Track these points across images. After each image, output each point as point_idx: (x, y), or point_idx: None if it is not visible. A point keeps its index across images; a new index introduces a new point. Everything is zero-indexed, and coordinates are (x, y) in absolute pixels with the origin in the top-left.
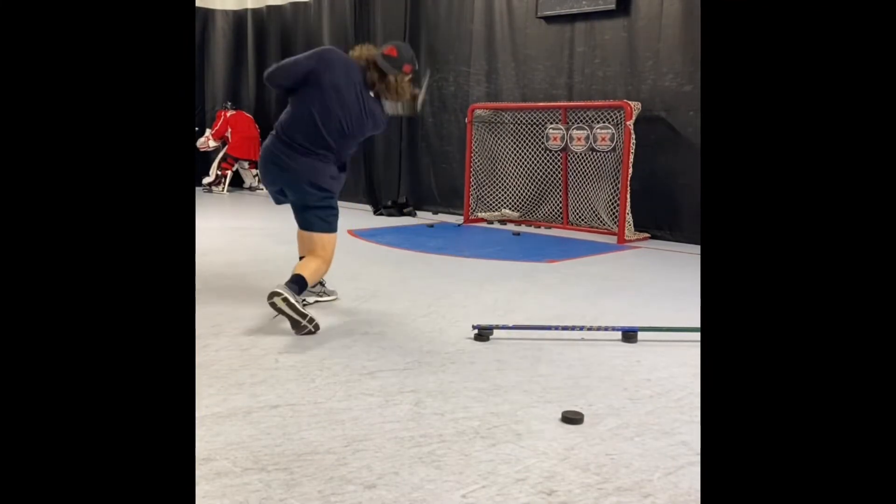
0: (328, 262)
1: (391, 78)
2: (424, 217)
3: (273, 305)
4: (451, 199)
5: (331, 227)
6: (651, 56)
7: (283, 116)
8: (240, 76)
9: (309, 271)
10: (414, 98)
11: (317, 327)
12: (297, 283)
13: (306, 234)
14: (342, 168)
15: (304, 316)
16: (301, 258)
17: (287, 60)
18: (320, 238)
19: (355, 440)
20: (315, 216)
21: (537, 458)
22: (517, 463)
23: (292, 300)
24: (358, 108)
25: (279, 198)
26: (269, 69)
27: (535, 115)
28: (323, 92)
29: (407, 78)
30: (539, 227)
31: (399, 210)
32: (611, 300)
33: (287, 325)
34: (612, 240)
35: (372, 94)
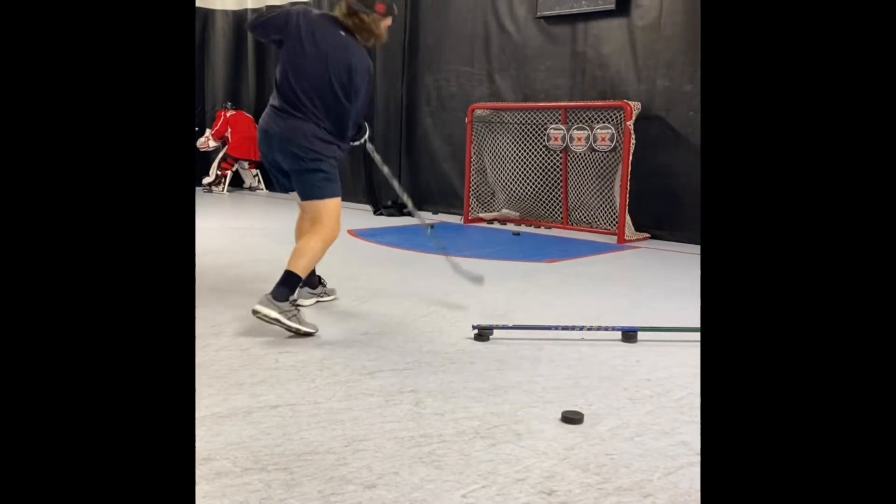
0: (331, 232)
1: (363, 15)
2: (424, 217)
3: (260, 319)
4: (451, 199)
5: (323, 192)
6: (651, 56)
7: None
8: (240, 76)
9: (303, 261)
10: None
11: (307, 334)
12: (286, 284)
13: (306, 204)
14: (337, 134)
15: (290, 328)
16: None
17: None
18: (316, 206)
19: (355, 440)
20: (307, 182)
21: (537, 458)
22: (517, 463)
23: (274, 315)
24: (327, 50)
25: (279, 178)
26: (253, 19)
27: (535, 115)
28: (290, 47)
29: (384, 22)
30: (539, 227)
31: (399, 210)
32: (611, 300)
33: None
34: (612, 240)
35: (343, 32)
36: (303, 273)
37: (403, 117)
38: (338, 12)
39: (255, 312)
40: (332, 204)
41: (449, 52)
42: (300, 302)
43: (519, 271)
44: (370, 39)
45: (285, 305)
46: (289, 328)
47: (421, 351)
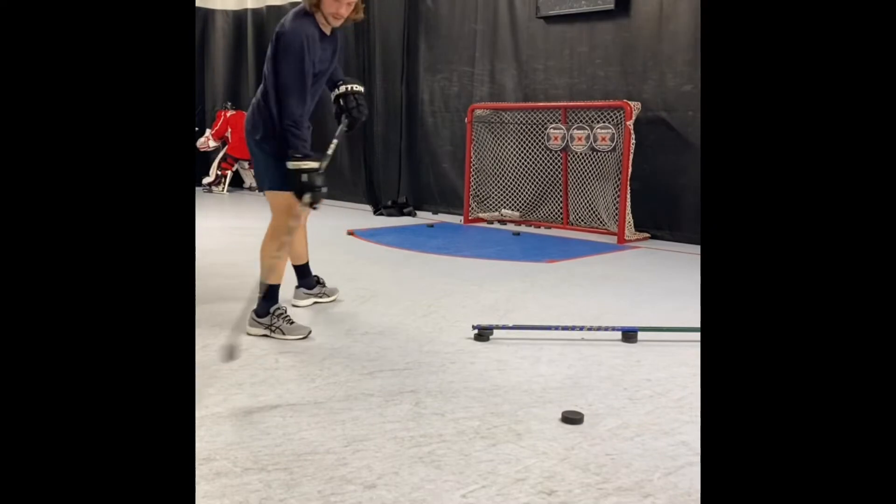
0: (278, 226)
1: None
2: (424, 217)
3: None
4: (451, 199)
5: (268, 181)
6: (651, 56)
7: None
8: (240, 76)
9: (265, 266)
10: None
11: (299, 339)
12: (264, 297)
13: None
14: (268, 114)
15: (278, 337)
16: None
17: None
18: (267, 197)
19: (355, 440)
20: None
21: (537, 458)
22: (517, 463)
23: (260, 333)
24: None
25: None
26: None
27: (535, 115)
28: None
29: None
30: (539, 227)
31: (399, 210)
32: (611, 300)
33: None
34: (612, 240)
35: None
36: (272, 279)
37: (403, 117)
38: None
39: (247, 333)
40: (279, 195)
41: (449, 52)
42: (296, 303)
43: (519, 271)
44: (318, 11)
45: (266, 319)
46: (276, 338)
47: (421, 351)
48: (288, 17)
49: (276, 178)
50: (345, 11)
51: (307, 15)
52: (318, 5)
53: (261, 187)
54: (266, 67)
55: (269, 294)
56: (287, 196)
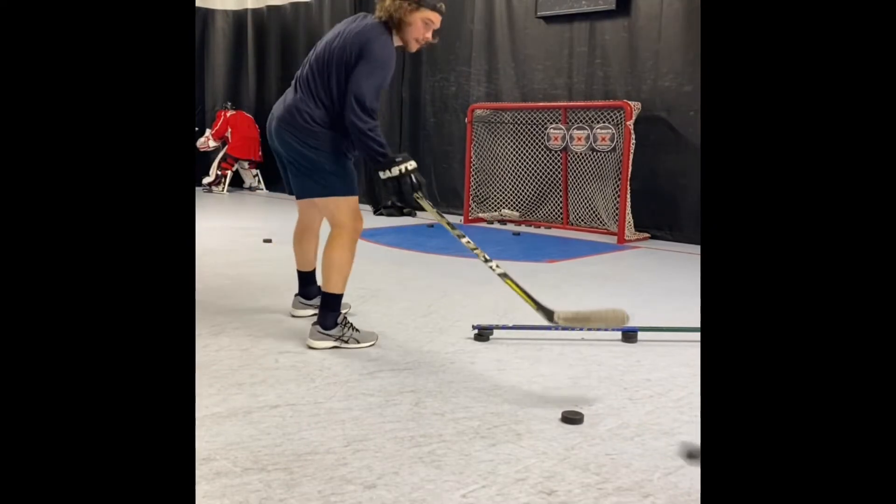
0: (351, 234)
1: (386, 1)
2: (424, 217)
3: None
4: (451, 199)
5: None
6: (651, 56)
7: None
8: (240, 76)
9: (333, 276)
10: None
11: (369, 346)
12: (327, 307)
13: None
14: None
15: (352, 346)
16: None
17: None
18: (325, 204)
19: (355, 440)
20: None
21: (537, 458)
22: (517, 463)
23: (331, 345)
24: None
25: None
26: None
27: (534, 115)
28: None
29: (416, 13)
30: (539, 227)
31: (399, 210)
32: (611, 300)
33: (287, 325)
34: (612, 240)
35: (374, 20)
36: (339, 289)
37: (403, 117)
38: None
39: (310, 347)
40: (342, 201)
41: (449, 52)
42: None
43: (519, 271)
44: (400, 32)
45: (336, 331)
46: (352, 347)
47: (421, 351)
48: (368, 24)
49: (336, 184)
50: (430, 37)
51: (388, 31)
52: (400, 27)
53: (311, 194)
54: (320, 68)
55: (334, 305)
56: (350, 200)
